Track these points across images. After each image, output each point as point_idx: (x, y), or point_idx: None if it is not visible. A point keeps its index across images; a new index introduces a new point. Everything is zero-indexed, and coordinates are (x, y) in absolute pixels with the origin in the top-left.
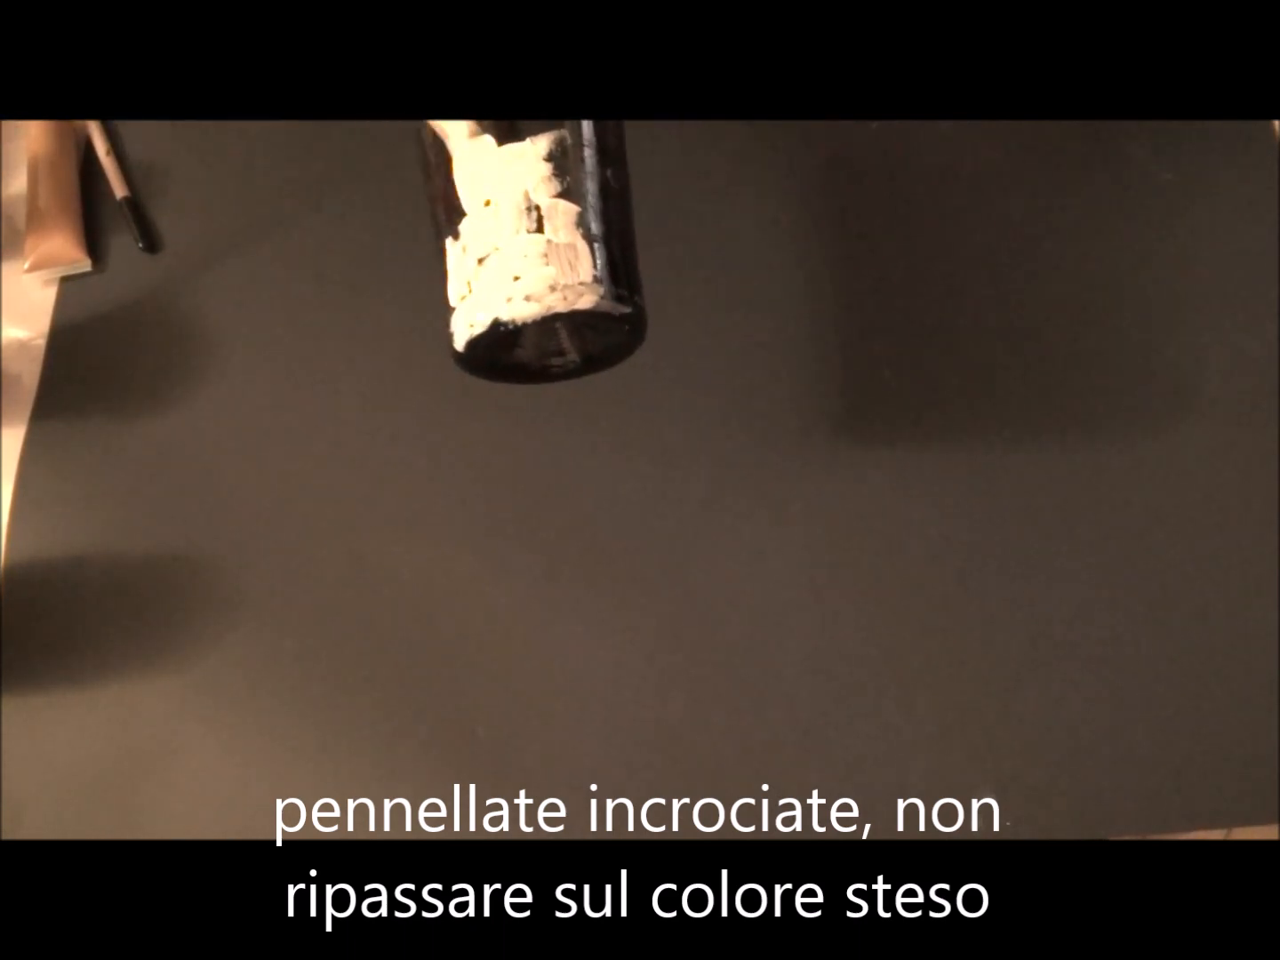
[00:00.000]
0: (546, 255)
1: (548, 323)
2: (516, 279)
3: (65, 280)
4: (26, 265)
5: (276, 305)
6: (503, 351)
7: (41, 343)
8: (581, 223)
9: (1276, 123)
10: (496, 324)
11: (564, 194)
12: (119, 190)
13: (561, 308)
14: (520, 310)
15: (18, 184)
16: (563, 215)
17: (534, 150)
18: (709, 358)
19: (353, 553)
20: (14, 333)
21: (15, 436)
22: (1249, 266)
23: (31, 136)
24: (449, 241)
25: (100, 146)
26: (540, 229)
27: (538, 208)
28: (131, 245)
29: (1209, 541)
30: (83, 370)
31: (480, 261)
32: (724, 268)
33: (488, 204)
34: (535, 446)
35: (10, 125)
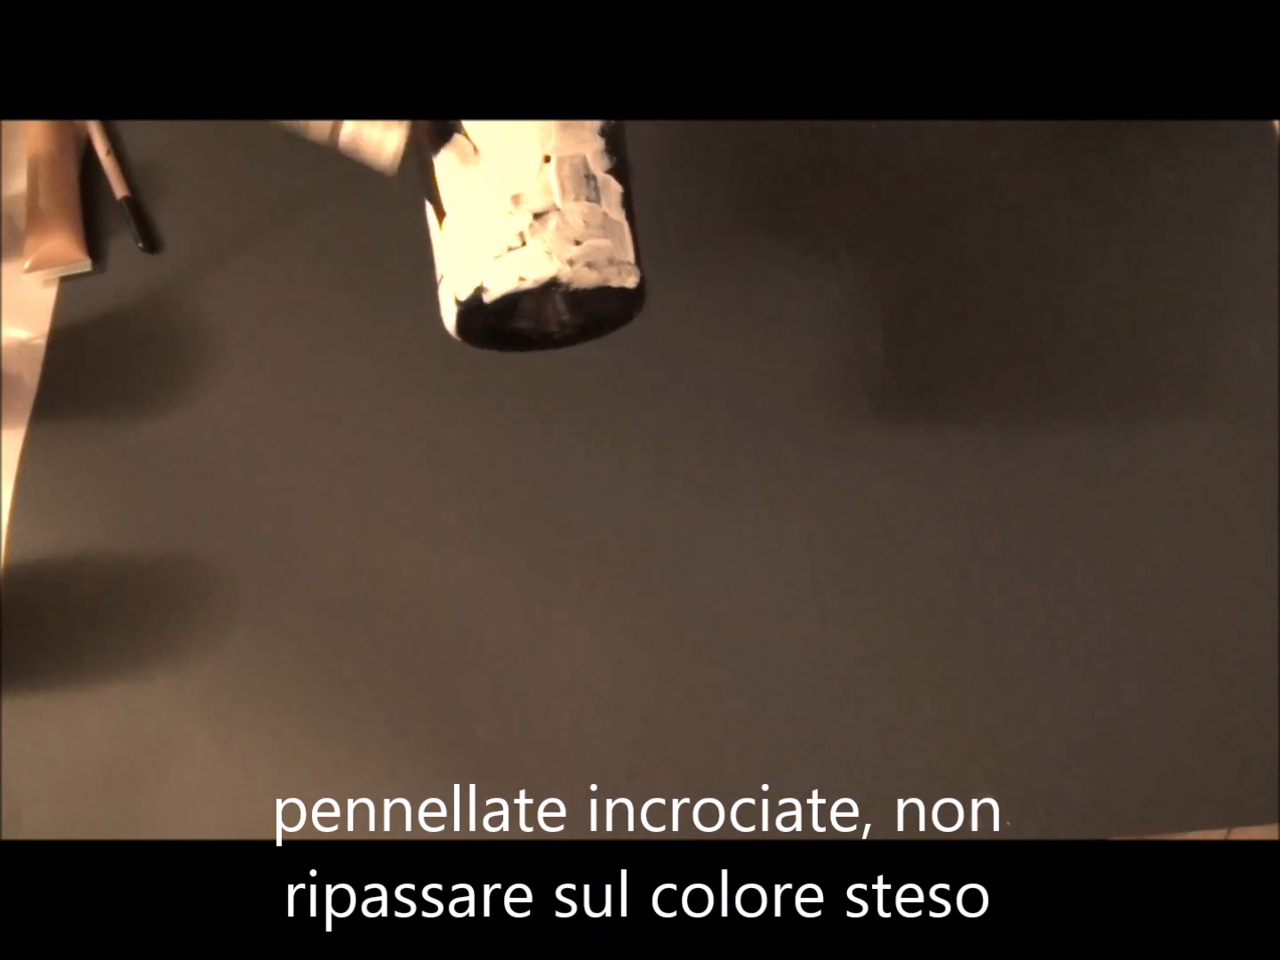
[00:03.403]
0: (604, 228)
1: (549, 291)
2: (577, 243)
3: (65, 280)
4: (26, 265)
5: (276, 305)
6: (504, 318)
7: (41, 343)
8: (625, 203)
9: (1276, 123)
10: (554, 282)
11: (612, 171)
12: (119, 190)
13: (615, 282)
14: (580, 276)
15: (18, 184)
16: (613, 192)
17: (591, 122)
18: (709, 359)
19: (352, 553)
20: (14, 333)
21: (15, 436)
22: (1249, 266)
23: (31, 136)
24: (490, 188)
25: (100, 146)
26: (596, 200)
27: (595, 178)
28: (131, 245)
29: (1209, 542)
30: (83, 370)
31: (538, 217)
32: (724, 268)
33: (547, 160)
34: (534, 447)
35: (10, 125)
